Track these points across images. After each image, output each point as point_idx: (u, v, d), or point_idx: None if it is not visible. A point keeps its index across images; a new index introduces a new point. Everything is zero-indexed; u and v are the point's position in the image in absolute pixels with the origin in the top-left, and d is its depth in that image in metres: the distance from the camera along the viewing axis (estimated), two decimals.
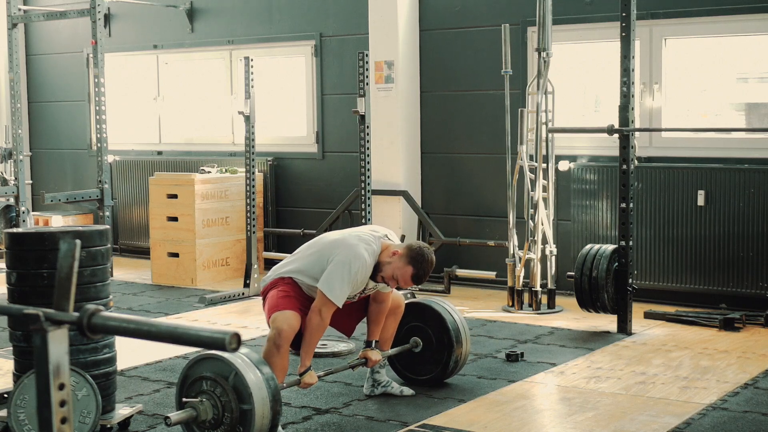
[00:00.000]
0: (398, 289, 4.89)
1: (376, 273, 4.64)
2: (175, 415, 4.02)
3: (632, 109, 6.41)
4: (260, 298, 4.88)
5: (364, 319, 5.05)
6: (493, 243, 8.03)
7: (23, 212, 7.75)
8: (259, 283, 8.03)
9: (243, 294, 7.97)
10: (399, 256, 4.60)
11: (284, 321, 4.49)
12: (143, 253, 9.94)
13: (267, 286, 4.75)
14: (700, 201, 7.22)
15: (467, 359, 5.33)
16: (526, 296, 7.41)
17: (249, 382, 4.00)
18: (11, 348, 4.49)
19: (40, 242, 4.28)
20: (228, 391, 4.03)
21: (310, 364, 4.63)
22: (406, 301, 5.18)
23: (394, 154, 8.48)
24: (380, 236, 4.73)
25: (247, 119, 8.02)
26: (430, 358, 5.22)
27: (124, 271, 9.42)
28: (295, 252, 4.86)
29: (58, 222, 10.16)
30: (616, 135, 6.45)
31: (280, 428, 4.45)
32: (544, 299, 7.40)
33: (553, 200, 7.44)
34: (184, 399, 4.15)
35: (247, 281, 8.10)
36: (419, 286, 8.03)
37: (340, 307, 4.57)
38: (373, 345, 4.94)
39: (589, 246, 6.78)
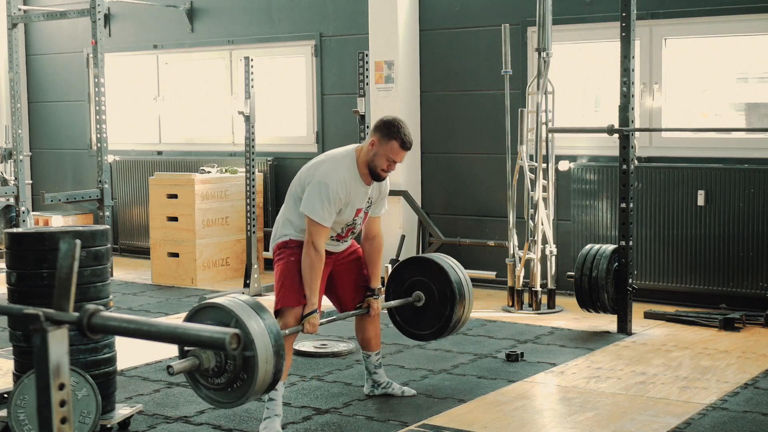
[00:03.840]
0: None
1: (376, 170, 4.59)
2: (177, 364, 3.92)
3: (632, 109, 6.41)
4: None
5: (351, 321, 5.06)
6: (493, 243, 8.03)
7: (23, 212, 7.75)
8: (259, 283, 8.04)
9: (243, 294, 7.96)
10: (376, 142, 4.57)
11: (291, 315, 4.53)
12: (143, 253, 9.94)
13: (276, 250, 4.69)
14: (700, 201, 7.23)
15: (469, 317, 5.28)
16: (526, 296, 7.41)
17: (250, 329, 3.95)
18: (11, 348, 4.49)
19: (40, 242, 4.29)
20: None
21: (316, 302, 4.55)
22: (415, 255, 5.07)
23: None
24: (352, 148, 4.70)
25: (247, 119, 8.02)
26: (433, 312, 5.17)
27: (124, 271, 9.42)
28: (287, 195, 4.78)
29: (58, 222, 10.16)
30: (616, 135, 6.45)
31: (279, 427, 4.46)
32: (544, 299, 7.40)
33: (553, 200, 7.44)
34: (185, 348, 4.11)
35: (247, 281, 8.10)
36: None
37: (328, 226, 4.50)
38: (376, 293, 4.89)
39: (589, 246, 6.78)
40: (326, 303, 5.04)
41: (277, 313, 4.56)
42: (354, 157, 4.63)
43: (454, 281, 5.13)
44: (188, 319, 4.13)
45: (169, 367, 3.90)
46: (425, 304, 5.19)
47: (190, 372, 4.05)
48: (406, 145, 4.60)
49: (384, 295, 5.24)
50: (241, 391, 3.98)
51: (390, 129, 4.58)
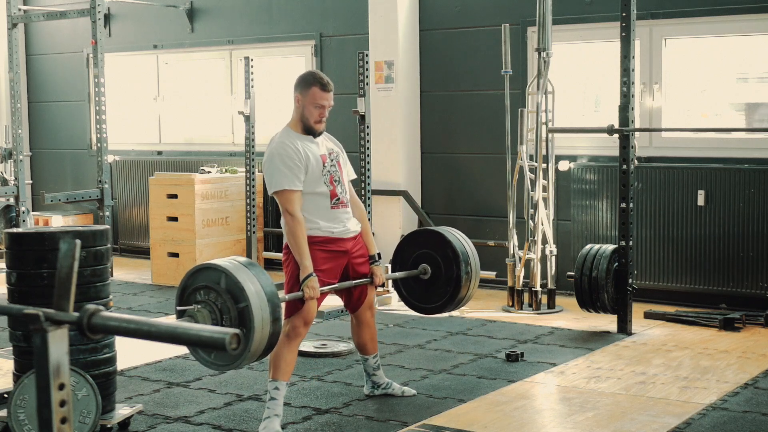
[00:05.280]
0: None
1: (308, 124, 4.65)
2: None
3: (632, 109, 6.41)
4: None
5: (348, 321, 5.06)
6: (493, 243, 8.03)
7: (23, 212, 7.75)
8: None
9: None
10: (300, 97, 4.69)
11: (301, 320, 4.52)
12: (143, 253, 9.94)
13: (285, 246, 4.67)
14: (700, 201, 7.23)
15: (476, 289, 5.24)
16: (526, 296, 7.41)
17: (240, 279, 3.98)
18: (11, 348, 4.49)
19: (40, 242, 4.29)
20: (222, 293, 4.00)
21: (310, 266, 4.49)
22: (427, 228, 5.10)
23: (394, 154, 8.48)
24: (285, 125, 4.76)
25: (247, 119, 8.03)
26: (439, 285, 5.13)
27: (124, 271, 9.42)
28: None
29: (58, 222, 10.16)
30: (616, 135, 6.45)
31: (279, 427, 4.46)
32: (544, 299, 7.40)
33: (553, 200, 7.44)
34: (179, 307, 4.11)
35: None
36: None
37: (298, 189, 4.50)
38: (376, 259, 4.87)
39: (589, 246, 6.78)
40: (326, 303, 5.05)
41: (289, 318, 4.55)
42: (288, 128, 4.71)
43: (460, 252, 5.09)
44: (184, 282, 4.14)
45: None
46: (431, 276, 5.14)
47: None
48: (326, 87, 4.67)
49: (390, 269, 5.24)
50: (240, 347, 3.96)
51: (306, 79, 4.72)
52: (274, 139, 4.68)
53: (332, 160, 4.72)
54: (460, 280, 5.08)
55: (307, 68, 9.29)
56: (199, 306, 4.03)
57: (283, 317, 4.10)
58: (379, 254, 4.90)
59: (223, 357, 4.03)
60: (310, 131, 4.69)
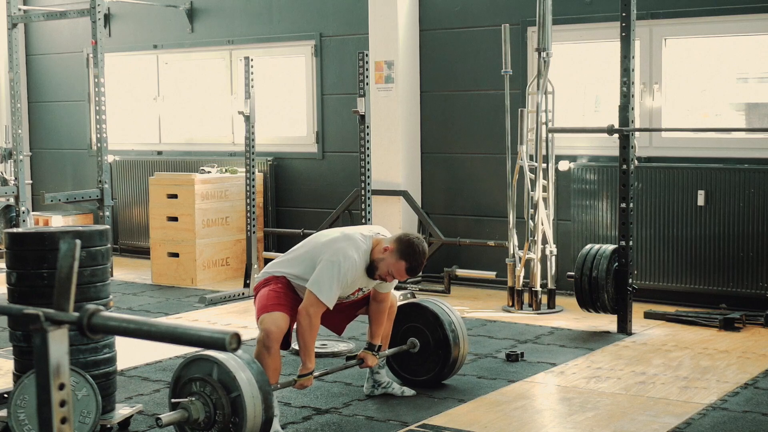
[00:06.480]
0: (398, 288, 4.86)
1: (373, 271, 4.62)
2: (166, 416, 4.00)
3: (632, 109, 6.41)
4: None
5: (356, 320, 5.06)
6: (493, 243, 8.03)
7: (23, 212, 7.74)
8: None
9: (243, 294, 7.97)
10: (390, 251, 4.56)
11: (272, 322, 4.47)
12: (143, 253, 9.94)
13: (259, 283, 4.73)
14: (700, 201, 7.23)
15: (465, 360, 5.32)
16: (526, 296, 7.40)
17: (230, 368, 4.00)
18: (11, 348, 4.49)
19: (40, 242, 4.28)
20: (216, 386, 4.02)
21: (312, 366, 4.59)
22: (406, 301, 5.16)
23: (394, 154, 8.48)
24: (371, 235, 4.69)
25: (247, 119, 8.02)
26: (428, 359, 5.20)
27: (124, 271, 9.42)
28: (289, 251, 4.85)
29: (58, 222, 10.16)
30: (616, 135, 6.45)
31: (279, 428, 4.45)
32: (544, 299, 7.40)
33: (553, 200, 7.44)
34: (173, 400, 4.14)
35: (247, 281, 8.10)
36: (419, 287, 8.05)
37: (330, 308, 4.53)
38: (376, 349, 4.91)
39: (589, 246, 6.78)
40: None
41: (259, 322, 4.54)
42: (371, 246, 4.63)
43: (448, 328, 5.14)
44: (178, 373, 4.19)
45: (157, 418, 3.94)
46: (421, 347, 5.20)
47: (179, 424, 4.09)
48: (410, 272, 4.60)
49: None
50: None
51: (407, 253, 4.55)
52: (358, 243, 4.59)
53: (361, 292, 4.77)
54: (449, 341, 5.12)
55: (307, 68, 9.29)
56: (192, 398, 4.05)
57: (273, 405, 4.11)
58: (380, 346, 4.92)
59: None
60: (369, 273, 4.63)
